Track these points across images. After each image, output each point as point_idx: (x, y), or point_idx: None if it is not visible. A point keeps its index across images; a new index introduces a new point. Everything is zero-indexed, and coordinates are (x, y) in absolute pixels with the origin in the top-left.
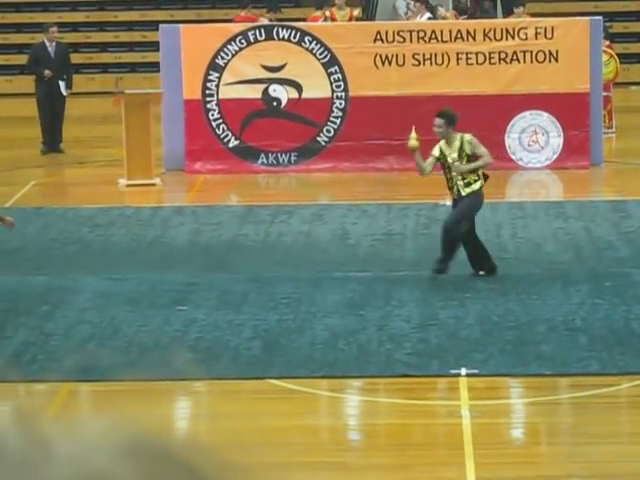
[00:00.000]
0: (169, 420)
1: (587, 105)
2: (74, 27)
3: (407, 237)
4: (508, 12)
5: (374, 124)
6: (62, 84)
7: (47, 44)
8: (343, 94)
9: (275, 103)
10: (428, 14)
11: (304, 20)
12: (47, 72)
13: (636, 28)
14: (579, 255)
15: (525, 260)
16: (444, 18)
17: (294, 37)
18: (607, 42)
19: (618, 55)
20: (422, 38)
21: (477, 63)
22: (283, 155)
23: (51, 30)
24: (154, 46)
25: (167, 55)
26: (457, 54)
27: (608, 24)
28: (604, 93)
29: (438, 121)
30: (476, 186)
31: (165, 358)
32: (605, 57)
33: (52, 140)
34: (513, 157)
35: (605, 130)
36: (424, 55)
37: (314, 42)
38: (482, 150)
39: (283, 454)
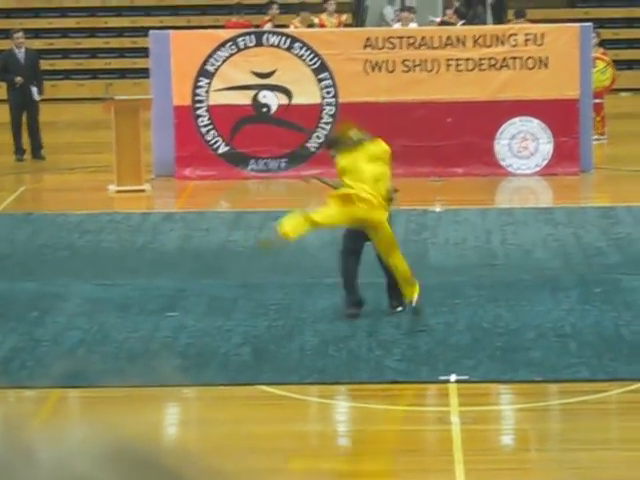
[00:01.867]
0: (158, 426)
1: (577, 111)
2: (64, 33)
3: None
4: (498, 19)
5: (364, 130)
6: (34, 90)
7: (16, 51)
8: (333, 100)
9: (265, 109)
10: (414, 24)
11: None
12: (18, 79)
13: (626, 35)
14: (568, 261)
15: (515, 266)
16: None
17: (284, 43)
18: (601, 49)
19: None
20: (412, 44)
21: (467, 69)
22: (273, 161)
23: (16, 36)
24: (144, 52)
25: (157, 61)
26: (447, 60)
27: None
28: (598, 100)
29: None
30: None
31: (152, 365)
32: (602, 64)
33: (32, 147)
34: (503, 163)
35: (598, 137)
36: (414, 61)
37: (304, 48)
38: None
39: (273, 460)
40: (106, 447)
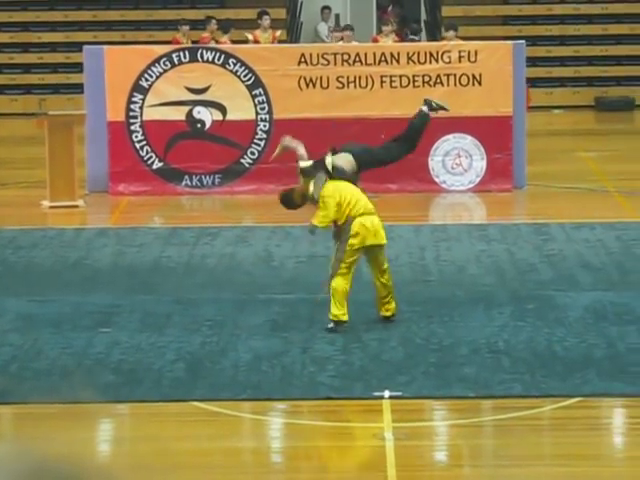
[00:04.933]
0: (90, 443)
1: (510, 128)
2: None
3: (331, 259)
4: (432, 36)
5: None
6: None
7: None
8: (267, 116)
9: (199, 125)
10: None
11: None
12: None
13: (558, 52)
14: (502, 278)
15: (448, 282)
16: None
17: (218, 59)
18: None
19: (540, 79)
20: (346, 61)
21: (401, 86)
22: (207, 177)
23: None
24: (78, 67)
25: (91, 76)
26: (381, 77)
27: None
28: None
29: None
30: None
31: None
32: None
33: None
34: (437, 180)
35: None
36: (348, 78)
37: (238, 64)
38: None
39: (206, 477)
40: (26, 465)
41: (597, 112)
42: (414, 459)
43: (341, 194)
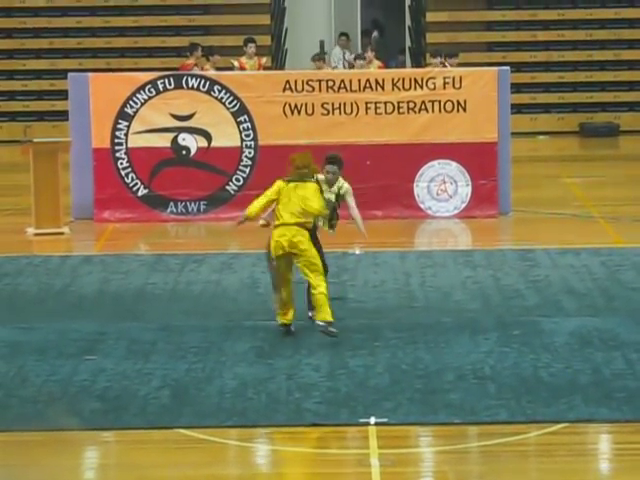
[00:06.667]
0: (75, 471)
1: (495, 154)
2: None
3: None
4: (417, 63)
5: (283, 173)
6: None
7: None
8: (252, 143)
9: (184, 152)
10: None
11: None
12: None
13: (543, 78)
14: (487, 303)
15: (434, 308)
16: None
17: (203, 86)
18: None
19: (525, 105)
20: (331, 87)
21: (386, 112)
22: (192, 204)
23: None
24: (63, 94)
25: (76, 103)
26: (366, 103)
27: None
28: None
29: (333, 168)
30: None
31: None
32: None
33: None
34: (422, 206)
35: None
36: (333, 104)
37: (223, 91)
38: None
39: None
40: None
41: (582, 138)
42: None
43: None
